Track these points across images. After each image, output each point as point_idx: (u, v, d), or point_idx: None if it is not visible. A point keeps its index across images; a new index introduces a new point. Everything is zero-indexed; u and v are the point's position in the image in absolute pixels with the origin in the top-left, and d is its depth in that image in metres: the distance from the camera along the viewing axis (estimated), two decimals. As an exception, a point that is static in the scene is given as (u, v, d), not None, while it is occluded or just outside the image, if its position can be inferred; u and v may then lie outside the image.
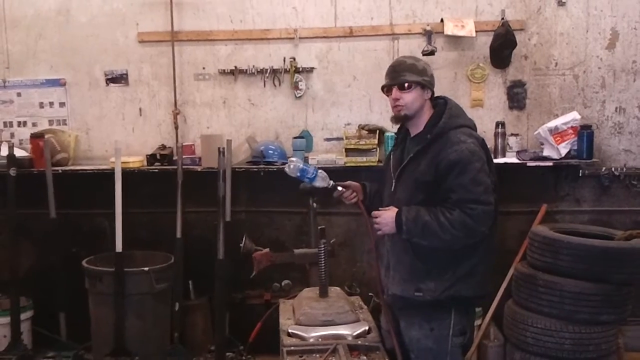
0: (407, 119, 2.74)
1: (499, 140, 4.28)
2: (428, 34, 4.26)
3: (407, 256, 2.66)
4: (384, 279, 2.81)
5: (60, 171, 4.32)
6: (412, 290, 2.67)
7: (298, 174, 2.75)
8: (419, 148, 2.66)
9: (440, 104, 2.76)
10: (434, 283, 2.63)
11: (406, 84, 2.68)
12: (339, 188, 2.84)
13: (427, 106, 2.74)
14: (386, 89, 2.77)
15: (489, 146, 4.22)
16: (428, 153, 2.62)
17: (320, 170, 2.79)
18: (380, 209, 2.72)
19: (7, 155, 4.17)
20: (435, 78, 4.21)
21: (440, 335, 2.66)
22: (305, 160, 4.27)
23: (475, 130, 2.76)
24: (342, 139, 4.32)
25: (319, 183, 2.78)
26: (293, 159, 2.83)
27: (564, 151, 4.10)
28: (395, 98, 2.72)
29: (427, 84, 2.71)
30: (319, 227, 3.18)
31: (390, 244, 2.75)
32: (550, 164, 4.14)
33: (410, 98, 2.69)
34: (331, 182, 2.82)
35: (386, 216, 2.64)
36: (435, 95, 2.80)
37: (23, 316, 4.25)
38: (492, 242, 2.71)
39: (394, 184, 2.75)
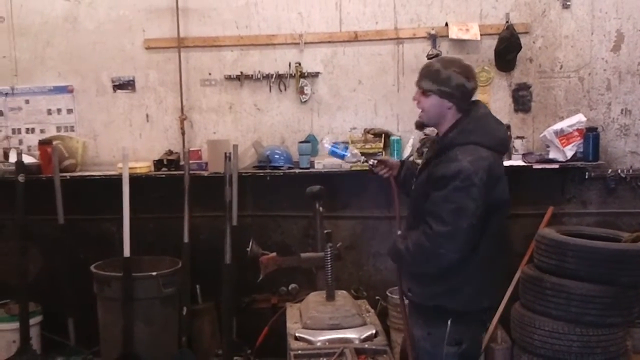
0: (425, 125, 2.73)
1: (505, 143, 4.28)
2: (433, 38, 4.27)
3: None
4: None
5: (68, 177, 4.35)
6: (406, 288, 2.74)
7: (330, 152, 2.97)
8: (428, 157, 2.66)
9: (462, 116, 2.61)
10: (420, 289, 2.67)
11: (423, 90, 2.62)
12: (371, 161, 2.89)
13: (451, 115, 2.60)
14: None
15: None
16: (432, 165, 2.59)
17: (350, 147, 2.99)
18: None
19: (16, 161, 4.21)
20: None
21: (436, 341, 2.63)
22: (311, 164, 4.29)
23: (494, 144, 2.58)
24: (347, 143, 4.32)
25: (351, 159, 2.96)
26: (326, 138, 3.04)
27: (570, 153, 4.09)
28: (415, 100, 2.69)
29: (444, 95, 2.56)
30: (326, 231, 3.20)
31: None
32: (556, 166, 4.14)
33: (427, 104, 2.62)
34: (362, 157, 2.93)
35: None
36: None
37: (32, 321, 4.28)
38: (486, 261, 2.57)
39: (414, 183, 2.74)
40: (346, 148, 2.96)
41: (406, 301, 2.81)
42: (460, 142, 2.52)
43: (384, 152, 4.22)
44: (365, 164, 2.93)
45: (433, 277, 2.58)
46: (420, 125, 2.75)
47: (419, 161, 4.08)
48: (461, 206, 2.41)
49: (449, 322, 2.59)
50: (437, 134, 2.75)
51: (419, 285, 2.66)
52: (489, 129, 2.61)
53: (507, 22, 4.25)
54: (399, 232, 2.73)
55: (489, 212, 2.49)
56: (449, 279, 2.56)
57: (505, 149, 2.71)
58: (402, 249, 2.57)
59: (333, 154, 2.97)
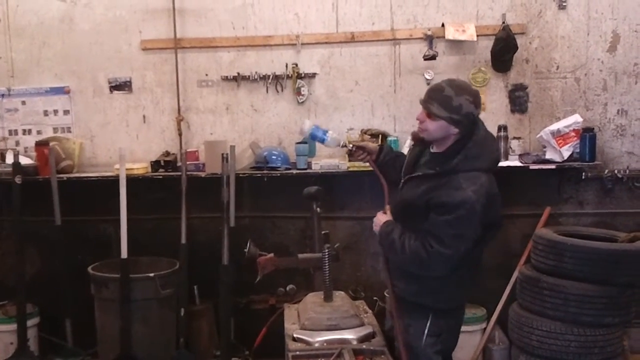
0: (426, 142, 2.76)
1: (502, 144, 4.28)
2: (429, 39, 4.28)
3: None
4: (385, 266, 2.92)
5: (65, 178, 4.34)
6: (391, 284, 2.82)
7: (309, 135, 3.03)
8: (427, 172, 2.67)
9: (463, 139, 2.62)
10: (403, 284, 2.78)
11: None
12: (350, 146, 2.99)
13: (454, 137, 2.64)
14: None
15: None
16: (431, 182, 2.61)
17: (330, 132, 3.03)
18: (384, 210, 2.85)
19: (13, 163, 4.19)
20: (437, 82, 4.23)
21: (416, 333, 2.76)
22: (309, 165, 4.29)
23: (492, 166, 2.67)
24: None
25: (331, 143, 3.03)
26: (306, 121, 3.08)
27: (566, 154, 4.11)
28: (419, 119, 2.69)
29: (453, 122, 2.58)
30: (323, 232, 3.20)
31: None
32: (553, 166, 4.15)
33: (432, 127, 2.63)
34: (342, 141, 3.02)
35: (378, 219, 2.82)
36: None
37: (29, 323, 4.28)
38: (466, 266, 2.69)
39: (401, 183, 2.82)
40: (326, 132, 3.03)
41: None
42: (465, 169, 2.56)
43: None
44: (345, 147, 3.04)
45: (418, 277, 2.68)
46: (418, 140, 2.80)
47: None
48: (462, 233, 2.52)
49: (430, 317, 2.74)
50: (430, 146, 2.79)
51: (404, 281, 2.77)
52: (488, 151, 2.66)
53: (503, 22, 4.26)
54: (387, 219, 2.77)
55: (482, 230, 2.59)
56: (432, 281, 2.67)
57: (497, 166, 2.77)
58: (396, 242, 2.64)
59: (313, 137, 3.06)
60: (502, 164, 4.20)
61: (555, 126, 4.14)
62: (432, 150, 2.78)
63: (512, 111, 4.39)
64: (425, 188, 2.62)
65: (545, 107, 4.37)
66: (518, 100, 4.38)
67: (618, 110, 4.34)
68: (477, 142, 2.62)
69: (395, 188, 2.88)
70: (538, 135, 4.22)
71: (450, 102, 2.56)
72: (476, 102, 2.59)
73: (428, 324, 2.74)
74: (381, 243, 2.78)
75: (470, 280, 2.81)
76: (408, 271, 2.71)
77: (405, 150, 4.28)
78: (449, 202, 2.50)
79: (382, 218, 2.80)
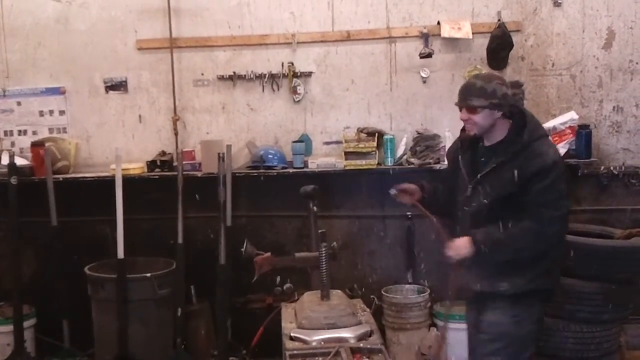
0: (478, 136, 2.86)
1: (498, 141, 4.30)
2: (425, 37, 4.28)
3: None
4: (465, 276, 2.92)
5: (61, 179, 4.33)
6: (495, 286, 2.82)
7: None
8: (503, 159, 2.75)
9: (518, 116, 2.81)
10: (517, 279, 2.79)
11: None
12: (392, 192, 3.04)
13: (501, 121, 2.79)
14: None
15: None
16: (513, 165, 2.72)
17: (392, 189, 3.04)
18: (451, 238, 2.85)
19: (8, 164, 4.18)
20: (433, 80, 4.27)
21: (521, 322, 2.82)
22: (305, 164, 4.30)
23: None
24: (341, 142, 4.33)
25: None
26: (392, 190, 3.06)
27: (562, 151, 4.09)
28: (463, 119, 2.83)
29: (495, 107, 2.74)
30: (320, 231, 3.19)
31: None
32: (549, 163, 4.14)
33: (478, 119, 2.77)
34: (392, 191, 3.05)
35: (460, 244, 2.79)
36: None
37: (26, 324, 4.26)
38: (564, 242, 2.95)
39: (469, 189, 2.85)
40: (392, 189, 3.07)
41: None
42: (535, 137, 2.76)
43: (377, 151, 4.23)
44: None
45: (528, 263, 2.76)
46: (470, 137, 2.90)
47: (413, 160, 4.14)
48: (562, 192, 2.72)
49: (538, 303, 2.86)
50: (479, 143, 2.90)
51: (515, 277, 2.79)
52: (541, 124, 2.92)
53: (498, 20, 4.27)
54: (466, 238, 2.78)
55: None
56: (539, 264, 2.78)
57: None
58: (501, 238, 2.72)
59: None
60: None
61: (551, 123, 4.14)
62: (487, 144, 2.87)
63: (508, 109, 4.39)
64: (511, 173, 2.71)
65: (541, 104, 4.38)
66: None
67: (614, 107, 4.35)
68: (529, 115, 2.84)
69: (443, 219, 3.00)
70: (534, 133, 4.21)
71: (485, 90, 2.73)
72: (505, 83, 2.82)
73: (536, 311, 2.85)
74: (486, 254, 2.75)
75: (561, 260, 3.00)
76: (512, 266, 2.76)
77: (401, 148, 4.30)
78: (543, 167, 2.67)
79: (461, 241, 2.79)
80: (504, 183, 2.72)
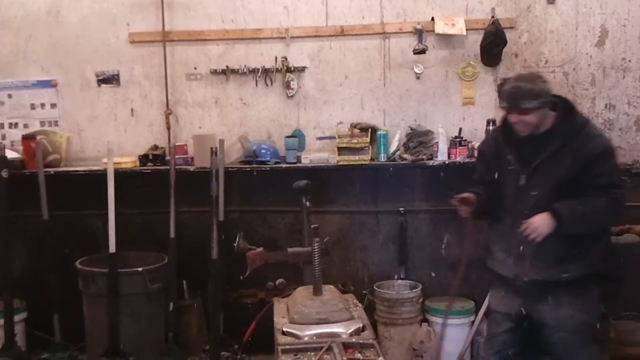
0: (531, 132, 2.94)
1: (491, 137, 4.32)
2: (419, 33, 4.28)
3: (554, 243, 2.84)
4: (514, 267, 2.98)
5: (52, 172, 4.31)
6: (558, 273, 2.89)
7: None
8: (559, 145, 2.85)
9: (561, 103, 2.94)
10: (580, 263, 2.88)
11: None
12: (453, 201, 3.07)
13: (547, 112, 2.90)
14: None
15: (479, 143, 4.29)
16: (570, 149, 2.84)
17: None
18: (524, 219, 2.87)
19: (-1, 156, 4.15)
20: (426, 76, 4.27)
21: (590, 307, 2.97)
22: (298, 159, 4.29)
23: None
24: (334, 137, 4.33)
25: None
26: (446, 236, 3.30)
27: (554, 148, 4.12)
28: (515, 122, 2.90)
29: (545, 104, 2.86)
30: (313, 226, 3.19)
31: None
32: (542, 160, 4.16)
33: (530, 119, 2.86)
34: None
35: (540, 221, 2.81)
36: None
37: (17, 318, 4.23)
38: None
39: (523, 178, 2.92)
40: None
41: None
42: (584, 122, 2.95)
43: (370, 147, 4.23)
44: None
45: (587, 248, 2.88)
46: (509, 130, 2.99)
47: (406, 155, 4.14)
48: (619, 169, 3.00)
49: (596, 287, 2.98)
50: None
51: (578, 261, 2.88)
52: None
53: (492, 17, 4.27)
54: (545, 213, 2.81)
55: None
56: (598, 244, 2.94)
57: None
58: (585, 210, 2.80)
59: None
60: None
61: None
62: (536, 133, 2.91)
63: (501, 105, 4.40)
64: (569, 157, 2.83)
65: (534, 101, 4.38)
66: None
67: (606, 105, 4.36)
68: (570, 100, 3.02)
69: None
70: (527, 130, 4.23)
71: (533, 92, 2.83)
72: (544, 79, 2.95)
73: (597, 295, 2.99)
74: (569, 227, 2.80)
75: None
76: (583, 248, 2.87)
77: (394, 144, 4.30)
78: (606, 149, 2.88)
79: (541, 218, 2.81)
80: (565, 167, 2.83)
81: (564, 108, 2.93)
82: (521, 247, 2.92)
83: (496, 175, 3.06)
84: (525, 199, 2.91)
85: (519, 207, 2.93)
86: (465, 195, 3.05)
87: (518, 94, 2.85)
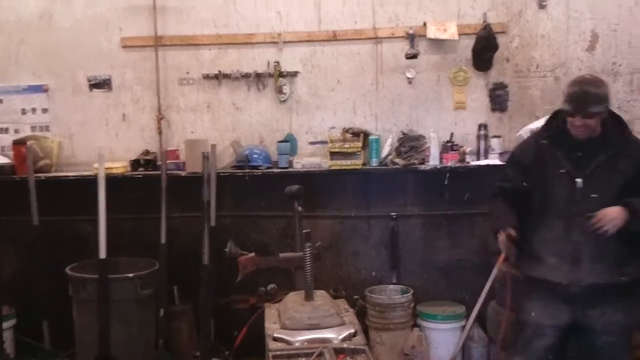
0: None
1: (482, 142, 4.32)
2: (411, 38, 4.29)
3: (614, 244, 2.84)
4: (569, 273, 2.88)
5: (43, 178, 4.28)
6: (618, 275, 2.86)
7: None
8: (615, 150, 2.87)
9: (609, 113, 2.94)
10: (635, 266, 2.89)
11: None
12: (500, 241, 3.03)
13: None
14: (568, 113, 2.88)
15: (470, 148, 4.31)
16: (624, 154, 2.88)
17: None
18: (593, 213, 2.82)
19: (-11, 161, 4.13)
20: (418, 81, 4.28)
21: (636, 311, 2.94)
22: (290, 163, 4.28)
23: None
24: (326, 142, 4.33)
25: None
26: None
27: (546, 153, 4.13)
28: (578, 126, 2.85)
29: (608, 107, 2.88)
30: (304, 231, 3.19)
31: (587, 237, 2.84)
32: (533, 165, 4.16)
33: (594, 123, 2.84)
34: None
35: (615, 213, 2.80)
36: None
37: (6, 325, 4.19)
38: None
39: (580, 182, 2.88)
40: None
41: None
42: (628, 129, 3.01)
43: (362, 152, 4.23)
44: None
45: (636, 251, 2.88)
46: (577, 140, 2.92)
47: (398, 160, 4.14)
48: None
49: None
50: (565, 135, 2.94)
51: (635, 262, 2.89)
52: None
53: (484, 21, 4.29)
54: (617, 207, 2.81)
55: None
56: None
57: None
58: None
59: None
60: (482, 162, 4.23)
61: (535, 124, 4.13)
62: (582, 138, 2.88)
63: (493, 110, 4.42)
64: (625, 161, 2.87)
65: (525, 105, 4.40)
66: (498, 98, 4.40)
67: (597, 110, 4.37)
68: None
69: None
70: (518, 134, 4.23)
71: (600, 96, 2.83)
72: (606, 83, 2.95)
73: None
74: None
75: None
76: (626, 254, 2.87)
77: (386, 149, 4.29)
78: None
79: (613, 211, 2.79)
80: (619, 171, 2.86)
81: (611, 114, 2.94)
82: (577, 251, 2.87)
83: (535, 181, 3.00)
84: (583, 202, 2.86)
85: (574, 210, 2.87)
86: (513, 233, 2.94)
87: (587, 98, 2.81)
